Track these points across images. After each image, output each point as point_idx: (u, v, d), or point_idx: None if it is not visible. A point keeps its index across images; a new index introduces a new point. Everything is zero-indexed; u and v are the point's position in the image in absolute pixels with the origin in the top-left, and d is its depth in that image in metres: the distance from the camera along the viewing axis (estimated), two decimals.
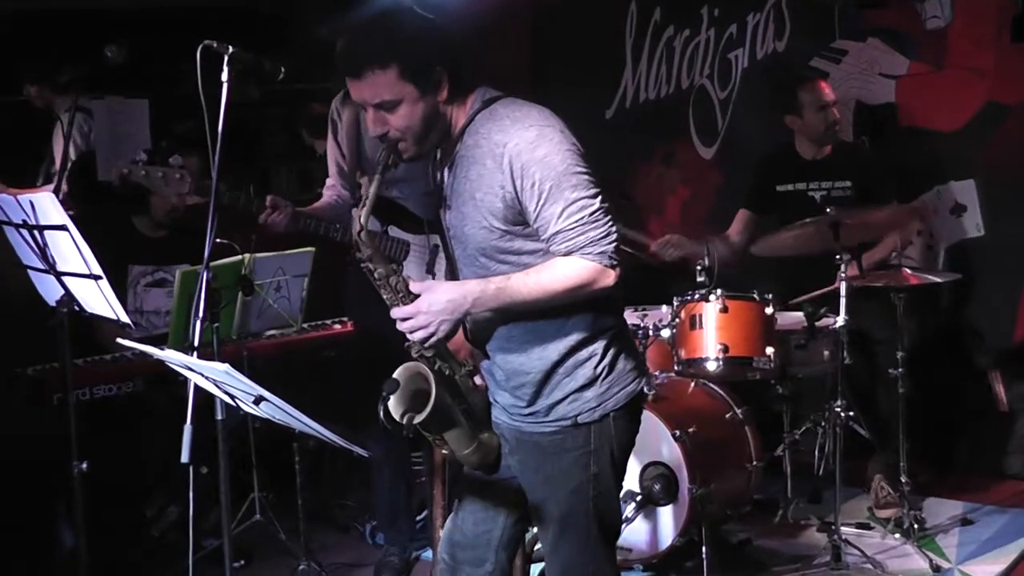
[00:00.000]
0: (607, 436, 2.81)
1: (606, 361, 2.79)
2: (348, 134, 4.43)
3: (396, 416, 2.65)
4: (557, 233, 2.63)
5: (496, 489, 2.96)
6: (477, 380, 2.90)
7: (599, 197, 2.65)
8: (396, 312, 2.65)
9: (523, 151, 2.60)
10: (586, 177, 2.64)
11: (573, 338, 2.76)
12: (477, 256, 2.76)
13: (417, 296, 2.65)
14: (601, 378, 2.78)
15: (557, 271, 2.64)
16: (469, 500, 3.01)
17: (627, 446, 2.90)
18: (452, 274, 2.91)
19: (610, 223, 2.66)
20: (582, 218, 2.62)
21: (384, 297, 2.70)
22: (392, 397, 2.65)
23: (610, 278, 2.65)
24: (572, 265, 2.64)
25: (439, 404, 2.64)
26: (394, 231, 4.31)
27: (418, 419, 2.62)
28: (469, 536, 2.99)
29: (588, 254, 2.63)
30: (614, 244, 2.65)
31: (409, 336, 2.65)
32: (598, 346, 2.78)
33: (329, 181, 4.58)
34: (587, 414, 2.78)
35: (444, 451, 2.87)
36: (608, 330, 2.81)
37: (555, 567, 2.91)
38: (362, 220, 2.66)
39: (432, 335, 2.63)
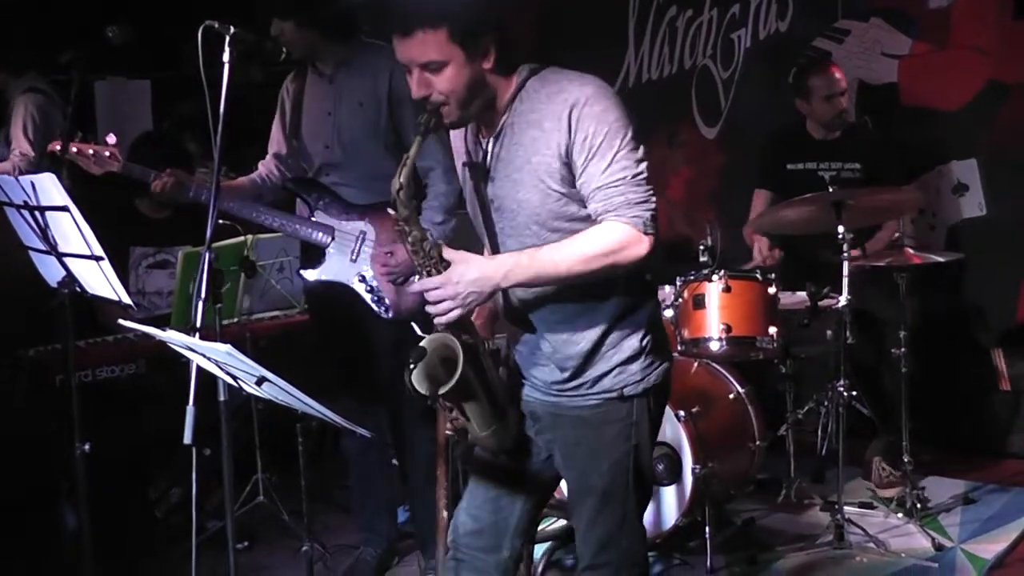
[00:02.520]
0: (647, 409, 2.83)
1: (650, 336, 2.81)
2: (291, 113, 4.39)
3: (420, 387, 2.64)
4: (598, 189, 2.62)
5: (513, 474, 2.95)
6: (500, 369, 2.89)
7: (645, 163, 2.65)
8: (426, 282, 2.63)
9: (583, 105, 2.61)
10: (636, 141, 2.64)
11: (619, 310, 2.76)
12: (529, 224, 2.73)
13: (448, 264, 2.63)
14: (646, 351, 2.80)
15: (590, 236, 2.62)
16: (484, 486, 2.99)
17: (658, 422, 2.92)
18: (494, 251, 2.86)
19: (651, 192, 2.64)
20: (625, 177, 2.61)
21: (415, 263, 2.67)
22: (418, 367, 2.63)
23: (644, 246, 2.61)
24: (607, 231, 2.61)
25: (464, 377, 2.61)
26: (320, 216, 4.24)
27: (443, 389, 2.60)
28: (485, 523, 2.98)
29: (623, 216, 2.60)
30: (652, 212, 2.63)
31: (435, 307, 2.62)
32: (642, 319, 2.80)
33: (266, 158, 4.51)
34: (632, 387, 2.78)
35: (457, 428, 2.83)
36: (648, 306, 2.83)
37: (592, 541, 2.90)
38: (402, 179, 2.63)
39: (458, 307, 2.61)
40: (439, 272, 2.62)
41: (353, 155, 4.17)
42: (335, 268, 4.18)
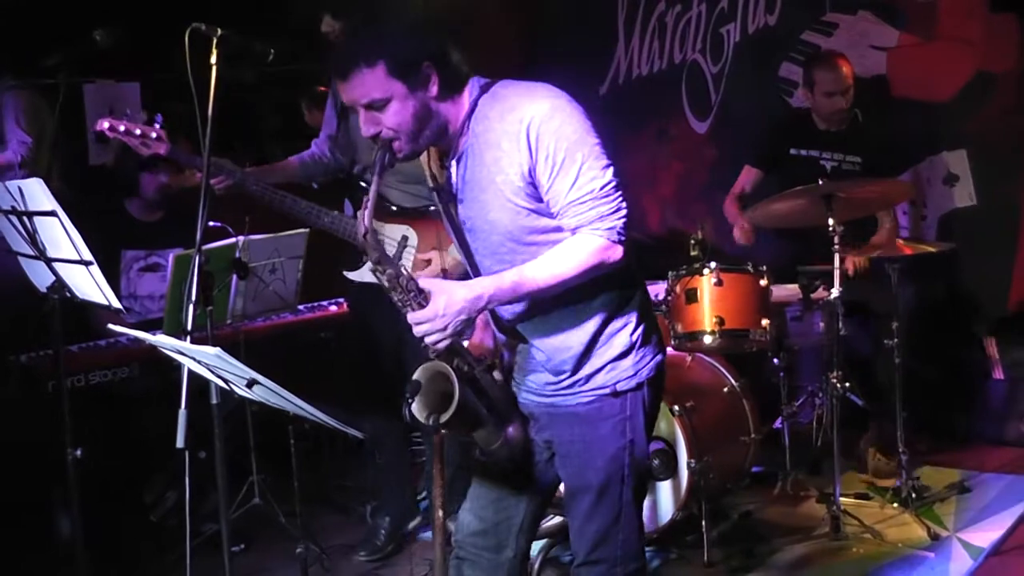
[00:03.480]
0: (641, 404, 2.83)
1: (640, 329, 2.81)
2: (343, 107, 4.43)
3: (420, 417, 2.65)
4: (568, 205, 2.62)
5: (516, 474, 2.96)
6: (496, 375, 2.89)
7: (610, 169, 2.64)
8: (412, 317, 2.62)
9: (539, 123, 2.59)
10: (598, 149, 2.63)
11: (607, 308, 2.77)
12: (504, 242, 2.74)
13: (427, 294, 2.63)
14: (637, 346, 2.80)
15: (567, 252, 2.64)
16: (487, 486, 3.00)
17: (654, 416, 2.93)
18: (473, 269, 2.88)
19: (620, 198, 2.64)
20: (593, 191, 2.61)
21: (395, 299, 2.67)
22: (416, 398, 2.64)
23: (617, 253, 2.64)
24: (581, 244, 2.63)
25: (463, 402, 2.62)
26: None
27: (443, 418, 2.61)
28: (489, 523, 2.98)
29: (596, 229, 2.62)
30: (623, 220, 2.64)
31: (426, 340, 2.63)
32: (631, 314, 2.80)
33: (319, 137, 4.58)
34: (625, 382, 2.79)
35: (473, 443, 2.88)
36: (636, 298, 2.83)
37: (588, 536, 2.90)
38: (366, 223, 2.63)
39: (448, 338, 2.62)
40: (420, 305, 2.62)
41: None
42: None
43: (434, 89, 2.65)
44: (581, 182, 2.60)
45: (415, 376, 2.67)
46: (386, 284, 2.66)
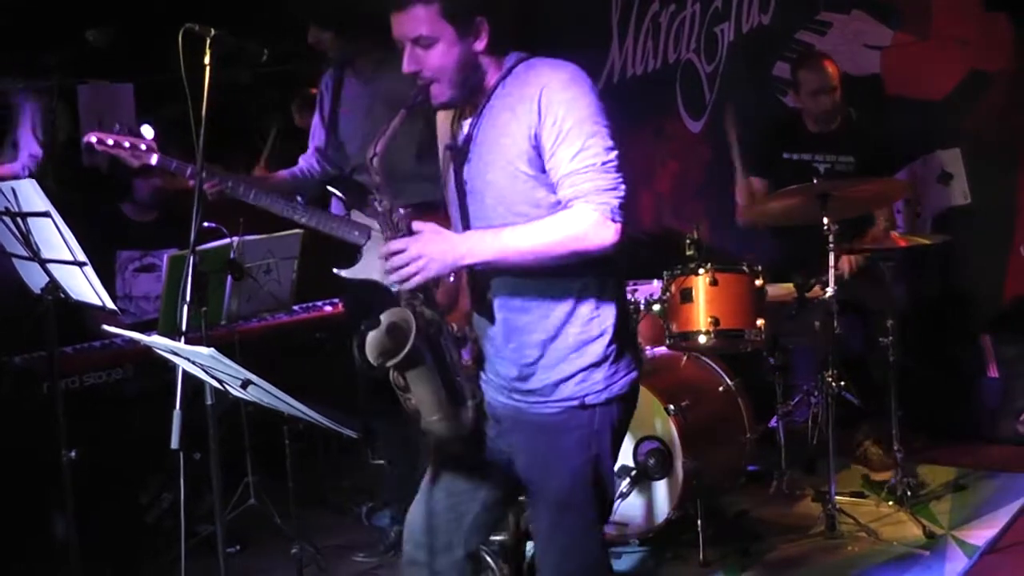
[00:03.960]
0: (609, 420, 2.78)
1: (616, 343, 2.77)
2: (330, 108, 4.44)
3: (371, 357, 2.63)
4: (567, 175, 2.61)
5: (469, 474, 2.92)
6: (465, 355, 2.86)
7: (614, 152, 2.63)
8: (392, 244, 2.61)
9: (554, 89, 2.61)
10: (606, 131, 2.63)
11: (582, 307, 2.73)
12: (495, 206, 2.72)
13: (415, 234, 2.63)
14: (611, 360, 2.76)
15: (557, 219, 2.60)
16: (443, 481, 2.95)
17: (622, 434, 2.88)
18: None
19: (620, 179, 2.63)
20: (594, 164, 2.60)
21: (383, 234, 2.67)
22: (371, 335, 2.62)
23: (610, 232, 2.59)
24: (574, 215, 2.59)
25: (416, 349, 2.58)
26: (357, 215, 4.27)
27: (392, 361, 2.58)
28: (441, 520, 2.93)
29: (591, 202, 2.58)
30: (620, 199, 2.61)
31: (395, 274, 2.60)
32: (608, 324, 2.75)
33: (307, 151, 4.59)
34: (595, 395, 2.75)
35: (410, 410, 2.78)
36: (616, 308, 2.78)
37: (552, 553, 2.86)
38: (377, 148, 2.67)
39: (419, 274, 2.58)
40: None
41: (387, 156, 4.20)
42: (369, 267, 4.21)
43: (482, 44, 2.68)
44: (584, 155, 2.59)
45: (380, 316, 2.65)
46: (380, 213, 2.66)
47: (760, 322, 4.63)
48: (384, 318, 2.66)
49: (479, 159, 2.73)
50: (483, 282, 2.79)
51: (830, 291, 4.54)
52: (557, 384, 2.75)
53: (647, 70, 6.96)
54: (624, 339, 2.81)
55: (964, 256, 5.72)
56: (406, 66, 2.69)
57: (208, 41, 3.08)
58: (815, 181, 4.61)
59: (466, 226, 2.82)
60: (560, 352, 2.74)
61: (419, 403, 2.74)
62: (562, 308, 2.72)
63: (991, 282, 5.72)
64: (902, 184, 5.42)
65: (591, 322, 2.74)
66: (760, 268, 4.68)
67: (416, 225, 2.64)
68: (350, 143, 4.40)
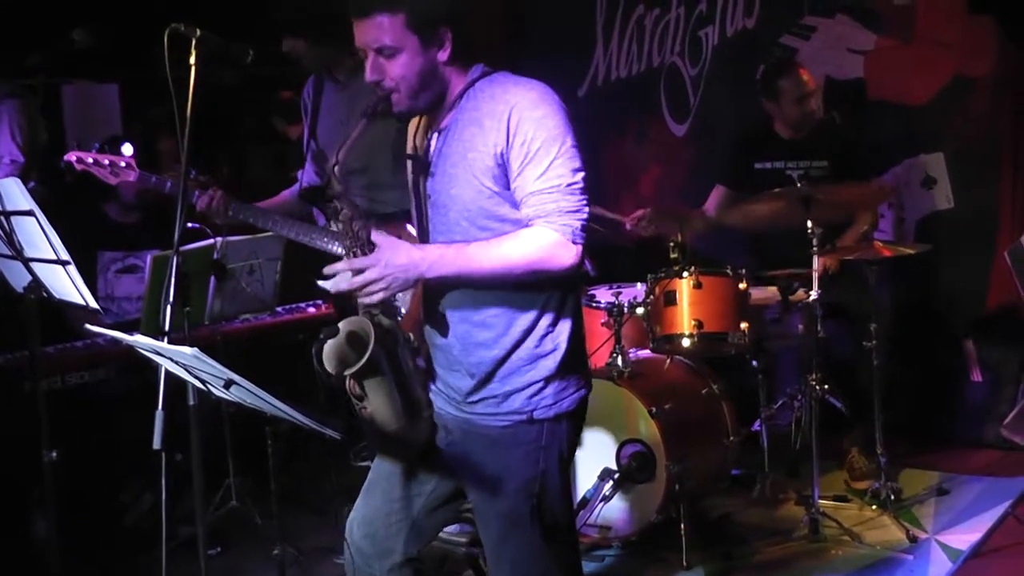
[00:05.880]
0: (558, 436, 2.78)
1: (569, 360, 2.77)
2: (311, 118, 4.46)
3: (329, 367, 2.63)
4: (532, 194, 2.61)
5: (413, 477, 2.91)
6: (420, 361, 2.85)
7: (581, 174, 2.63)
8: (353, 262, 2.61)
9: (524, 108, 2.61)
10: (574, 151, 2.63)
11: (539, 323, 2.73)
12: (459, 220, 2.71)
13: (375, 246, 2.61)
14: (561, 375, 2.76)
15: (519, 240, 2.61)
16: (382, 486, 2.95)
17: (571, 452, 2.88)
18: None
19: (584, 202, 2.64)
20: (559, 185, 2.60)
21: (343, 244, 2.68)
22: (330, 344, 2.61)
23: (571, 254, 2.61)
24: (535, 235, 2.60)
25: (374, 358, 2.58)
26: (336, 226, 4.27)
27: (349, 370, 2.58)
28: (379, 525, 2.93)
29: (554, 223, 2.60)
30: (583, 222, 2.63)
31: (359, 291, 2.59)
32: (561, 339, 2.76)
33: (303, 171, 4.60)
34: (543, 410, 2.75)
35: (365, 418, 2.76)
36: (571, 324, 2.78)
37: (502, 568, 2.84)
38: (339, 156, 2.66)
39: (381, 291, 2.58)
40: (365, 254, 2.62)
41: (363, 164, 4.19)
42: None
43: (444, 54, 2.68)
44: (550, 175, 2.60)
45: (339, 324, 2.65)
46: (340, 222, 2.67)
47: (744, 325, 4.64)
48: (343, 327, 2.66)
49: (443, 173, 2.73)
50: (440, 294, 2.79)
51: (814, 294, 4.55)
52: (507, 396, 2.75)
53: (631, 73, 6.97)
54: (576, 356, 2.81)
55: (947, 261, 5.73)
56: (368, 75, 2.69)
57: (194, 41, 3.06)
58: (800, 184, 4.62)
59: (428, 239, 2.82)
60: (514, 364, 2.74)
61: (375, 412, 2.73)
62: (522, 323, 2.73)
63: (974, 286, 5.74)
64: (885, 188, 5.42)
65: (546, 337, 2.75)
66: (744, 271, 4.69)
67: (375, 236, 2.63)
68: (329, 151, 4.41)
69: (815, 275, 4.54)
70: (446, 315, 2.79)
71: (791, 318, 4.86)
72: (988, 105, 5.63)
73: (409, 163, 2.88)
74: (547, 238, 2.60)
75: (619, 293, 4.93)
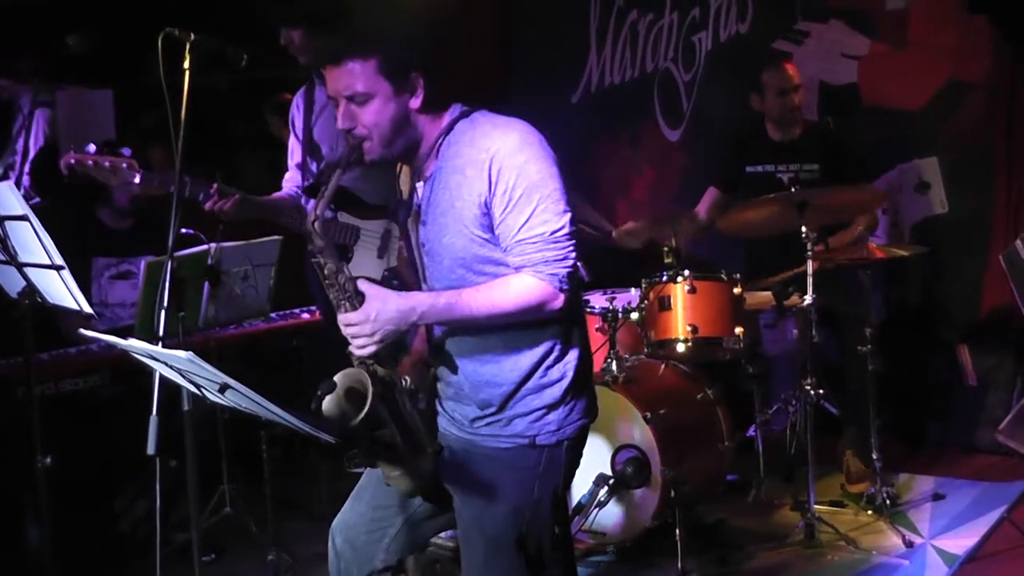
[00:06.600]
0: (557, 463, 2.79)
1: (575, 387, 2.79)
2: (303, 123, 4.49)
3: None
4: (517, 243, 2.63)
5: (396, 492, 2.91)
6: (420, 400, 2.85)
7: (567, 216, 2.64)
8: (342, 318, 2.63)
9: (505, 154, 2.60)
10: (558, 194, 2.63)
11: (545, 356, 2.75)
12: (454, 268, 2.73)
13: (363, 298, 2.62)
14: (566, 403, 2.78)
15: (507, 289, 2.64)
16: (369, 493, 2.96)
17: (568, 481, 2.89)
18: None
19: (570, 248, 2.65)
20: (543, 233, 2.61)
21: (330, 296, 2.67)
22: (328, 399, 2.62)
23: (558, 301, 2.65)
24: (522, 284, 2.63)
25: (374, 410, 2.59)
26: (344, 216, 4.31)
27: (354, 422, 2.58)
28: (361, 531, 2.94)
29: (540, 272, 2.63)
30: (568, 269, 2.65)
31: (351, 343, 2.63)
32: (569, 368, 2.78)
33: (288, 174, 4.62)
34: (546, 436, 2.76)
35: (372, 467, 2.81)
36: (578, 353, 2.81)
37: None
38: (318, 211, 2.65)
39: (374, 344, 2.61)
40: (354, 306, 2.62)
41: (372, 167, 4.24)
42: (363, 265, 4.23)
43: (417, 100, 2.67)
44: (533, 222, 2.61)
45: (335, 378, 2.65)
46: (325, 277, 2.65)
47: (739, 330, 4.65)
48: (340, 381, 2.66)
49: (434, 222, 2.73)
50: (445, 334, 2.80)
51: (808, 299, 4.55)
52: (511, 420, 2.77)
53: (625, 79, 6.98)
54: (582, 384, 2.83)
55: (942, 265, 5.74)
56: (340, 123, 2.69)
57: (188, 46, 3.06)
58: (793, 189, 4.62)
59: (426, 286, 2.84)
60: (521, 395, 2.76)
61: (379, 464, 2.77)
62: (529, 358, 2.75)
63: (968, 291, 5.74)
64: (879, 192, 5.42)
65: (553, 367, 2.77)
66: (738, 276, 4.69)
67: (362, 286, 2.64)
68: (324, 144, 4.45)
69: (809, 279, 4.54)
70: (452, 354, 2.81)
71: (786, 323, 4.86)
72: (982, 110, 5.64)
73: (400, 214, 2.89)
74: (534, 288, 2.63)
75: (614, 298, 4.94)
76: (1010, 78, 5.57)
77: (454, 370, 2.81)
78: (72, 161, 4.00)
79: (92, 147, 4.01)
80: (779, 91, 5.39)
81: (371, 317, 2.59)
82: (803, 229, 4.53)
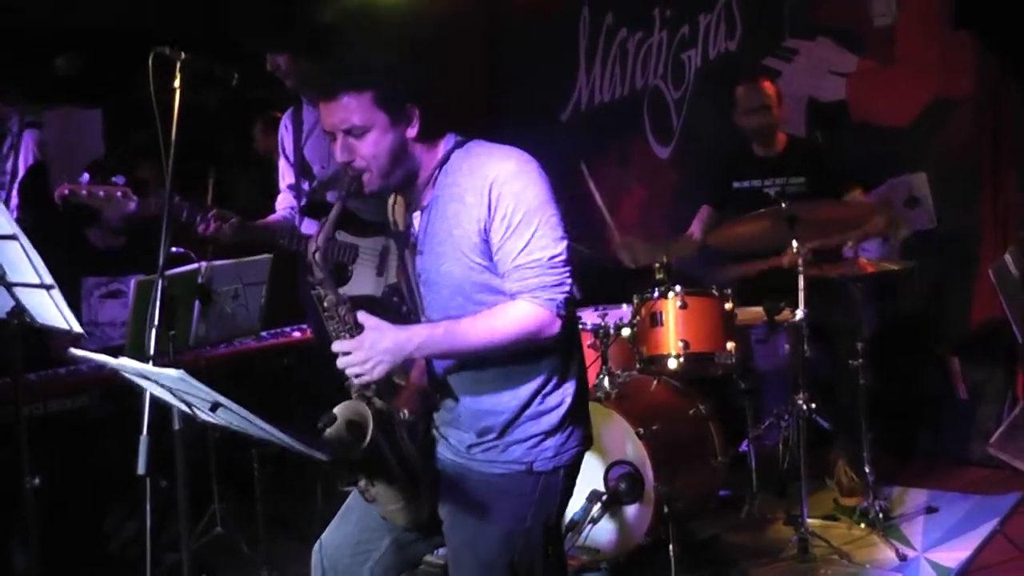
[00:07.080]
0: (553, 490, 2.80)
1: (572, 415, 2.80)
2: (293, 145, 4.51)
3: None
4: (514, 269, 2.64)
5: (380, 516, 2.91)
6: (418, 428, 2.86)
7: (564, 243, 2.66)
8: (338, 345, 2.63)
9: (503, 181, 2.61)
10: (555, 220, 2.65)
11: (544, 384, 2.76)
12: (454, 296, 2.73)
13: (363, 330, 2.62)
14: (563, 429, 2.78)
15: (505, 315, 2.64)
16: (356, 514, 2.95)
17: (562, 509, 2.89)
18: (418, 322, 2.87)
19: (567, 274, 2.67)
20: (541, 259, 2.63)
21: (329, 328, 2.67)
22: (329, 432, 2.62)
23: (555, 326, 2.66)
24: (520, 310, 2.64)
25: (375, 443, 2.60)
26: (342, 235, 4.33)
27: (352, 457, 2.59)
28: (346, 552, 2.93)
29: (537, 298, 2.63)
30: (565, 295, 2.66)
31: (347, 372, 2.63)
32: (567, 396, 2.79)
33: (280, 196, 4.65)
34: (543, 462, 2.77)
35: (369, 500, 2.81)
36: (576, 382, 2.82)
37: None
38: (319, 242, 2.65)
39: (369, 374, 2.61)
40: (353, 337, 2.63)
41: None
42: (362, 283, 4.23)
43: (413, 131, 2.69)
44: (531, 248, 2.62)
45: (334, 410, 2.66)
46: (324, 309, 2.65)
47: (730, 345, 4.65)
48: (340, 414, 2.67)
49: (432, 251, 2.74)
50: (444, 364, 2.81)
51: (799, 314, 4.55)
52: (509, 446, 2.77)
53: (614, 96, 7.00)
54: (580, 412, 2.84)
55: (931, 279, 5.75)
56: (339, 156, 2.70)
57: (178, 65, 3.06)
58: (783, 204, 4.63)
59: (423, 316, 2.85)
60: (520, 420, 2.77)
61: (378, 495, 2.78)
62: (527, 388, 2.76)
63: (958, 304, 5.75)
64: (871, 207, 5.42)
65: (551, 395, 2.78)
66: (730, 291, 4.69)
67: (362, 318, 2.64)
68: (315, 164, 4.47)
69: (800, 294, 4.54)
70: (451, 385, 2.82)
71: (777, 338, 4.86)
72: (969, 125, 5.66)
73: (398, 244, 2.90)
74: (531, 313, 2.64)
75: (605, 314, 4.94)
76: (995, 92, 5.59)
77: (454, 400, 2.82)
78: (66, 192, 4.01)
79: (86, 177, 4.01)
80: (747, 109, 5.42)
81: (365, 346, 2.59)
82: (794, 244, 4.54)
